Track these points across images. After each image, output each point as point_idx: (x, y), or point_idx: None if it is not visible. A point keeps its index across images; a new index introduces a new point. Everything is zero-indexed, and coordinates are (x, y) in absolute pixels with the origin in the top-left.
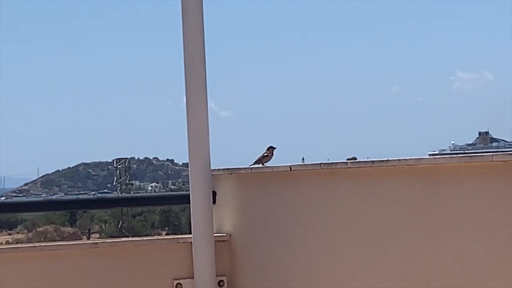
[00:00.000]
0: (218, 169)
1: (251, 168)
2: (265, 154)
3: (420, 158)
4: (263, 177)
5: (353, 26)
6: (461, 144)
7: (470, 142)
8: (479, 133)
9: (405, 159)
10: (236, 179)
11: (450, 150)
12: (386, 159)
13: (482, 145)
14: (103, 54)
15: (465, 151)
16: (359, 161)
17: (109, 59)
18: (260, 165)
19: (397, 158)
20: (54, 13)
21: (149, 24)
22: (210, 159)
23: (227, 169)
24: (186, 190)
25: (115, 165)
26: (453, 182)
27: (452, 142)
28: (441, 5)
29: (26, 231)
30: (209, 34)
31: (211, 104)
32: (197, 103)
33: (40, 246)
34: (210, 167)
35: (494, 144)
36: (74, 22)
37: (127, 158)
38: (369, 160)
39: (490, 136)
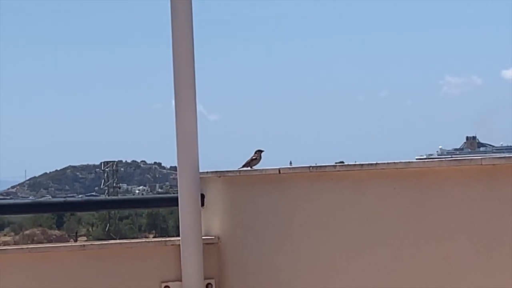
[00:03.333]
0: (207, 172)
1: (240, 171)
2: (254, 158)
3: (410, 162)
4: (251, 180)
5: (343, 30)
6: (448, 149)
7: (458, 147)
8: (467, 137)
9: (394, 163)
10: (224, 182)
11: (438, 155)
12: (375, 162)
13: (469, 150)
14: (91, 56)
15: (453, 156)
16: (348, 164)
17: (97, 61)
18: (249, 168)
19: (386, 162)
20: (42, 12)
21: (138, 26)
22: (198, 162)
23: (216, 171)
24: (174, 193)
25: (102, 168)
26: (442, 185)
27: (440, 146)
28: (431, 9)
29: (13, 233)
30: (198, 36)
31: (199, 108)
32: (186, 106)
33: (27, 248)
34: (198, 170)
35: (482, 149)
36: (61, 22)
37: (114, 161)
38: (358, 163)
39: (477, 141)
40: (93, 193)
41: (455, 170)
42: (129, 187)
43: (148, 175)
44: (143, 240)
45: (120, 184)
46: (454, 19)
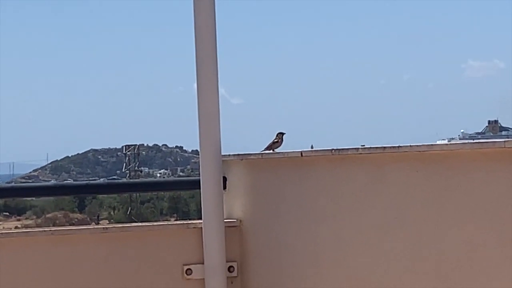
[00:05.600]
0: (229, 155)
1: (262, 153)
2: (275, 140)
3: (432, 144)
4: (273, 163)
5: (364, 13)
6: (470, 133)
7: (480, 131)
8: (489, 121)
9: (417, 145)
10: (246, 164)
11: (460, 139)
12: (397, 145)
13: (491, 134)
14: (113, 39)
15: (475, 139)
16: (370, 147)
17: (118, 44)
18: (271, 151)
19: (409, 145)
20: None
21: (160, 10)
22: (220, 145)
23: (238, 154)
24: (195, 177)
25: (124, 152)
26: (465, 168)
27: (462, 130)
28: None
29: (35, 217)
30: (220, 19)
31: (221, 91)
32: (208, 89)
33: (50, 230)
34: (220, 153)
35: (504, 132)
36: (77, 8)
37: (136, 145)
38: (380, 146)
39: (499, 125)
40: (115, 177)
41: (478, 153)
42: (151, 170)
43: (169, 159)
44: (165, 223)
45: (142, 168)
46: (476, 2)
